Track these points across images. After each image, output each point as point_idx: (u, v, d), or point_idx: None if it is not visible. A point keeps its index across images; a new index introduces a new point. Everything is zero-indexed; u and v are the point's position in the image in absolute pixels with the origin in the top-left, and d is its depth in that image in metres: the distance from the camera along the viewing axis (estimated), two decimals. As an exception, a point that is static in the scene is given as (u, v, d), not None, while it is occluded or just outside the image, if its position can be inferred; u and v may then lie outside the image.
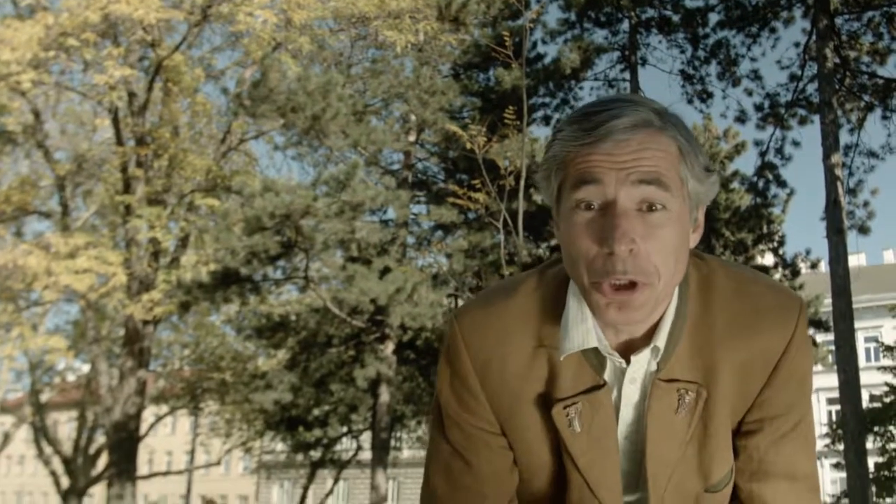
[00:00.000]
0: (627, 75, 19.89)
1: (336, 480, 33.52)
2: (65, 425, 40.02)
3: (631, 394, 1.39)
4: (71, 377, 36.43)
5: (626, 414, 1.41)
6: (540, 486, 1.48)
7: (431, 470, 1.55)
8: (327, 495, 33.85)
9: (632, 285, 1.24)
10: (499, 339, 1.40)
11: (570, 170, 1.27)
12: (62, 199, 24.61)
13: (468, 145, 15.66)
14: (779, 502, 1.44)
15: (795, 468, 1.44)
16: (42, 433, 32.19)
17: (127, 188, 22.07)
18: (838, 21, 17.79)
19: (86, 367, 32.03)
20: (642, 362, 1.37)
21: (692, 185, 1.30)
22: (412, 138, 21.11)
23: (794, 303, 1.39)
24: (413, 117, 20.56)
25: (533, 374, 1.40)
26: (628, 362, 1.37)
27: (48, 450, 32.42)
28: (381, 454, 21.13)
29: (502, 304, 1.42)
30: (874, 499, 17.47)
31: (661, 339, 1.34)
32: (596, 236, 1.24)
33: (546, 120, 21.15)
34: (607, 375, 1.39)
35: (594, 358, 1.38)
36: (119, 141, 22.35)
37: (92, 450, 32.71)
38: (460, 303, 22.25)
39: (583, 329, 1.35)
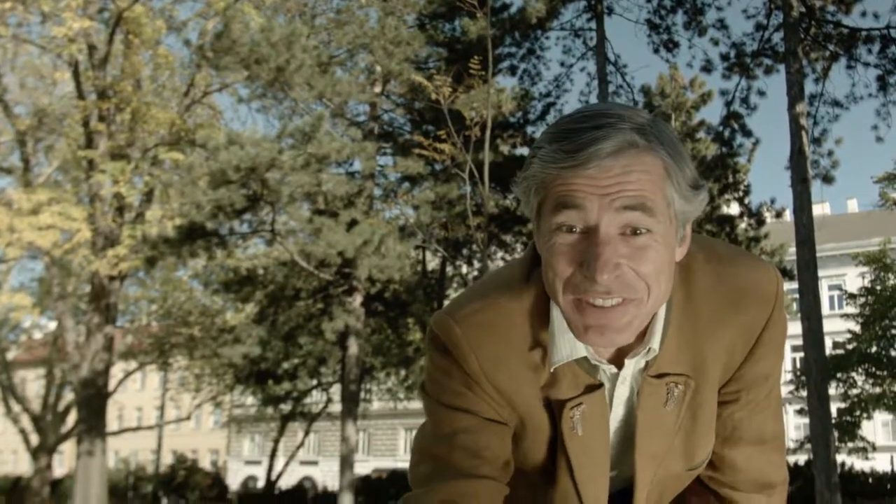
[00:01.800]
0: (594, 24, 19.78)
1: (306, 433, 33.72)
2: (33, 383, 39.82)
3: (621, 393, 1.38)
4: (37, 334, 36.23)
5: (617, 412, 1.40)
6: (526, 486, 1.46)
7: (428, 448, 1.44)
8: (298, 447, 34.03)
9: (615, 305, 1.21)
10: (505, 343, 1.36)
11: (551, 191, 1.22)
12: (23, 155, 24.29)
13: (434, 96, 15.60)
14: (748, 465, 1.48)
15: (765, 433, 1.47)
16: (10, 391, 32.06)
17: (89, 143, 21.79)
18: (804, -31, 17.76)
19: (52, 325, 31.87)
20: (634, 363, 1.36)
21: (679, 205, 1.24)
22: (378, 89, 20.95)
23: (772, 277, 1.38)
24: (378, 68, 20.38)
25: (538, 375, 1.36)
26: (618, 365, 1.35)
27: (16, 408, 32.32)
28: (351, 406, 21.24)
29: (502, 305, 1.37)
30: (836, 443, 17.77)
31: (655, 341, 1.32)
32: (576, 261, 1.20)
33: (512, 70, 21.05)
34: (600, 376, 1.37)
35: (585, 363, 1.35)
36: (80, 95, 22.02)
37: (61, 407, 32.66)
38: (428, 255, 22.34)
39: (569, 338, 1.31)
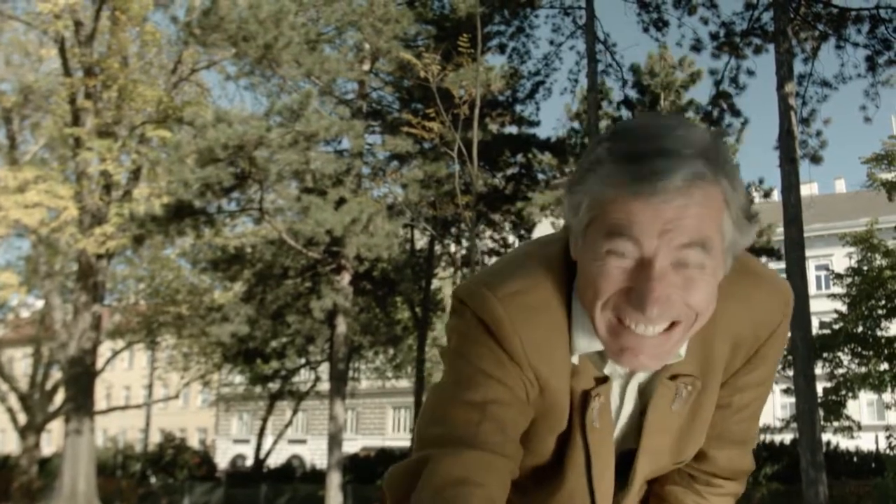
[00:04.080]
0: (583, 2, 19.70)
1: (295, 411, 33.75)
2: (20, 362, 39.74)
3: (632, 389, 1.38)
4: (24, 313, 36.11)
5: (626, 408, 1.40)
6: (531, 481, 1.44)
7: (451, 401, 1.33)
8: (286, 426, 34.07)
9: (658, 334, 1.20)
10: (549, 329, 1.31)
11: (607, 212, 1.17)
12: (9, 132, 24.16)
13: (422, 74, 15.56)
14: (729, 462, 1.52)
15: (748, 436, 1.51)
16: (-3, 370, 31.98)
17: (76, 120, 21.68)
18: (794, -52, 17.71)
19: (39, 303, 31.77)
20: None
21: (731, 236, 1.21)
22: (366, 67, 20.86)
23: (788, 293, 1.39)
24: (367, 46, 20.29)
25: (569, 364, 1.34)
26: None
27: (4, 386, 32.26)
28: (339, 385, 21.26)
29: (547, 288, 1.31)
30: (822, 422, 17.88)
31: (682, 350, 1.31)
32: (624, 286, 1.18)
33: (501, 48, 20.99)
34: (607, 370, 1.35)
35: (596, 355, 1.34)
36: (66, 71, 21.89)
37: (48, 386, 32.60)
38: (416, 234, 22.33)
39: (587, 332, 1.30)
